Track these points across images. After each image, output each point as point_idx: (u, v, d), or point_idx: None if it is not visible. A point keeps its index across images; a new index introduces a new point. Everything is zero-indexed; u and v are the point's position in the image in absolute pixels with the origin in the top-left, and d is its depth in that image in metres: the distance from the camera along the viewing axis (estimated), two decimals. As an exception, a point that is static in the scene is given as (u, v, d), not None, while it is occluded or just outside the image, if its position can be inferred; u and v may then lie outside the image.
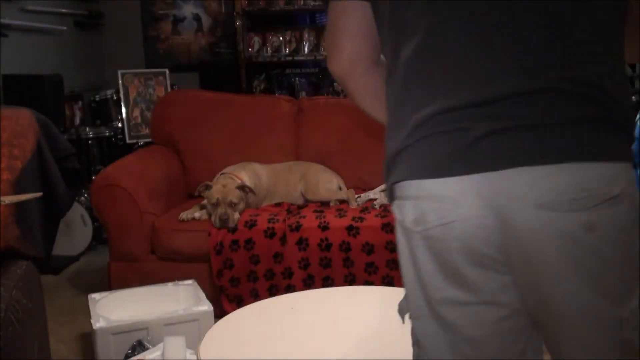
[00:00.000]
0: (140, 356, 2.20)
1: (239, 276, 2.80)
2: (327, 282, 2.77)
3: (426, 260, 0.98)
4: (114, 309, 2.49)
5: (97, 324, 2.30)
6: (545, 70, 0.91)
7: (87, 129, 4.33)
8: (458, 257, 0.95)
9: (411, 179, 0.97)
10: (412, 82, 0.99)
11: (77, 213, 3.81)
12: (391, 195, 1.03)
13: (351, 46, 1.12)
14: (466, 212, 0.92)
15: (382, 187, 3.17)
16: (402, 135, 0.98)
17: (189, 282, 2.67)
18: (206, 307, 2.44)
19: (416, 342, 1.04)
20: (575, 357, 0.97)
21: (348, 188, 3.24)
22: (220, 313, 2.50)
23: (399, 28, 1.00)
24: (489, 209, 0.91)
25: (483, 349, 0.99)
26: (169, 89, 4.66)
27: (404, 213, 0.99)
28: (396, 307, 1.11)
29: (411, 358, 1.05)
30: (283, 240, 2.78)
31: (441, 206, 0.94)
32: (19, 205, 1.91)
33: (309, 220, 2.83)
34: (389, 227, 2.73)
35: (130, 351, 2.26)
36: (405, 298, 1.06)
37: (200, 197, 3.04)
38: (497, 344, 0.99)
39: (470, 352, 0.99)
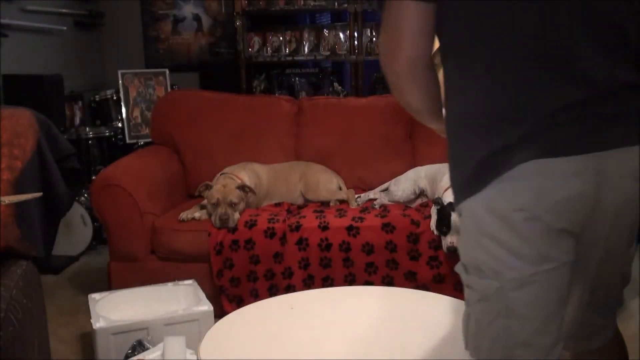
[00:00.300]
0: (140, 356, 2.20)
1: (239, 276, 2.80)
2: (327, 282, 2.77)
3: (535, 232, 1.13)
4: (114, 309, 2.49)
5: (97, 324, 2.30)
6: (637, 68, 1.15)
7: (87, 129, 4.33)
8: (566, 225, 1.14)
9: (540, 158, 1.11)
10: (530, 78, 1.13)
11: (77, 213, 3.81)
12: (487, 177, 1.15)
13: (414, 46, 1.19)
14: (586, 186, 1.13)
15: (383, 186, 3.18)
16: (524, 125, 1.12)
17: (189, 282, 2.67)
18: (206, 307, 2.44)
19: (503, 313, 1.16)
20: (596, 293, 1.28)
21: (348, 188, 3.24)
22: (220, 313, 2.50)
23: (500, 28, 1.13)
24: (600, 182, 1.13)
25: (559, 305, 1.19)
26: (169, 89, 4.67)
27: (518, 191, 1.12)
28: (391, 308, 1.16)
29: (411, 357, 1.06)
30: (283, 240, 2.78)
31: (567, 182, 1.12)
32: (19, 205, 1.91)
33: (309, 220, 2.83)
34: (388, 227, 2.73)
35: (130, 351, 2.26)
36: (494, 276, 1.16)
37: (201, 197, 3.04)
38: (562, 301, 1.19)
39: (553, 310, 1.18)
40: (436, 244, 2.66)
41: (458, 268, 1.26)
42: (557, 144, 1.11)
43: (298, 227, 2.79)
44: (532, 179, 1.12)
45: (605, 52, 1.13)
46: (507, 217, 1.13)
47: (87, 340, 2.68)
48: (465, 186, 1.19)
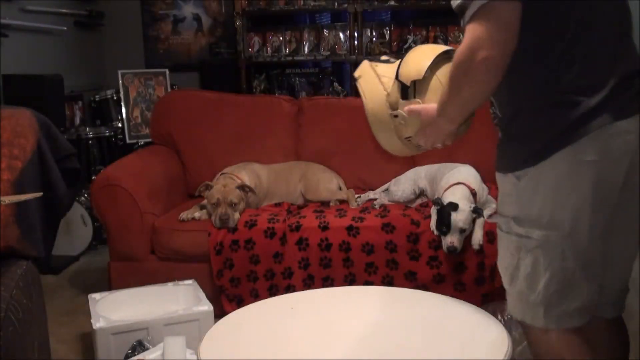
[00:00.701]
0: (140, 356, 2.20)
1: (239, 276, 2.80)
2: (327, 282, 2.77)
3: (598, 185, 1.43)
4: (114, 309, 2.49)
5: (97, 324, 2.30)
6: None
7: (87, 129, 4.34)
8: (621, 177, 1.44)
9: (610, 122, 1.41)
10: (600, 57, 1.44)
11: (77, 213, 3.81)
12: (561, 143, 1.43)
13: (514, 41, 1.38)
14: (635, 141, 1.44)
15: (383, 187, 3.18)
16: (598, 96, 1.41)
17: (189, 282, 2.67)
18: (206, 307, 2.44)
19: (561, 255, 1.47)
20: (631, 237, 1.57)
21: (348, 188, 3.24)
22: (220, 313, 2.50)
23: (583, 26, 1.42)
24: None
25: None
26: (169, 89, 4.66)
27: (587, 152, 1.41)
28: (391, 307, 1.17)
29: (411, 357, 1.06)
30: (283, 240, 2.78)
31: (627, 138, 1.43)
32: (19, 205, 1.91)
33: (309, 220, 2.83)
34: (388, 227, 2.73)
35: (130, 351, 2.26)
36: (557, 226, 1.46)
37: (201, 197, 3.04)
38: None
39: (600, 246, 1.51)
40: (436, 244, 2.66)
41: (506, 222, 1.54)
42: (620, 109, 1.42)
43: (298, 227, 2.79)
44: (597, 142, 1.41)
45: (630, 44, 1.50)
46: (576, 173, 1.42)
47: (87, 340, 2.68)
48: (533, 155, 1.46)
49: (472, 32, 1.38)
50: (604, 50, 1.45)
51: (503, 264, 1.61)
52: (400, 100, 1.69)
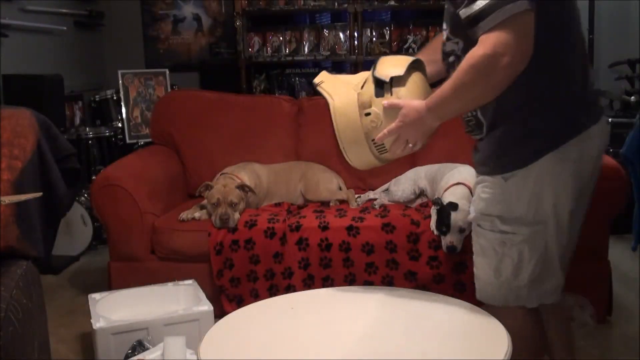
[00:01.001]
0: (140, 356, 2.20)
1: (239, 276, 2.80)
2: (327, 282, 2.77)
3: (576, 184, 1.61)
4: (114, 309, 2.49)
5: (97, 324, 2.30)
6: None
7: (87, 129, 4.34)
8: (590, 174, 1.64)
9: (589, 127, 1.60)
10: (584, 72, 1.62)
11: (77, 213, 3.81)
12: (549, 148, 1.57)
13: (532, 51, 1.48)
14: (604, 142, 1.68)
15: (383, 187, 3.17)
16: (580, 103, 1.60)
17: (189, 282, 2.68)
18: (206, 307, 2.44)
19: (543, 246, 1.63)
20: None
21: (348, 188, 3.24)
22: (220, 313, 2.50)
23: (572, 42, 1.60)
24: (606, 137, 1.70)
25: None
26: (169, 89, 4.67)
27: (569, 155, 1.57)
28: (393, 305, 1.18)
29: (411, 358, 1.06)
30: (283, 240, 2.78)
31: (596, 141, 1.63)
32: (19, 205, 1.91)
33: (309, 220, 2.83)
34: (388, 227, 2.73)
35: (130, 351, 2.26)
36: (539, 223, 1.62)
37: (201, 197, 3.04)
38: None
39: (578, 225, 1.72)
40: (436, 244, 2.66)
41: (491, 221, 1.65)
42: (591, 115, 1.62)
43: (298, 227, 2.79)
44: (578, 144, 1.58)
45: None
46: (560, 172, 1.58)
47: (87, 340, 2.68)
48: (523, 158, 1.58)
49: (496, 38, 1.46)
50: (582, 62, 1.62)
51: (484, 259, 1.72)
52: (375, 98, 1.70)
